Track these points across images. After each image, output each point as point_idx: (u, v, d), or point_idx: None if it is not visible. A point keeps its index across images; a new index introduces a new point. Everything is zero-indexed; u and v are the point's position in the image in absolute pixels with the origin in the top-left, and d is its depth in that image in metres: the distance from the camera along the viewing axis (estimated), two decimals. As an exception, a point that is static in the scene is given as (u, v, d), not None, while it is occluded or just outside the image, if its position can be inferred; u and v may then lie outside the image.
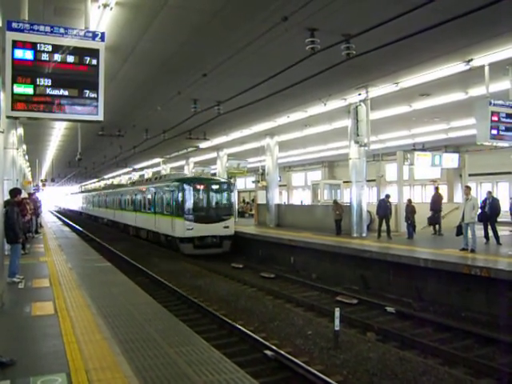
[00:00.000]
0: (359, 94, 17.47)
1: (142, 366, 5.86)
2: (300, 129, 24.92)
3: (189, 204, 24.17)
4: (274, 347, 9.31)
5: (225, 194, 25.40)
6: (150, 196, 29.71)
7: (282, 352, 9.02)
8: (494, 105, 13.17)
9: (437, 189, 21.69)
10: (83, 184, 78.87)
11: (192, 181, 25.44)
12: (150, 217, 29.12)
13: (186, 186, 24.40)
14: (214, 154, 34.72)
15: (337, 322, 9.70)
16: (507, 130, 13.41)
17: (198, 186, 24.59)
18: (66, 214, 72.67)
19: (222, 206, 25.03)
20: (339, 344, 9.66)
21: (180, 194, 24.31)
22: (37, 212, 24.33)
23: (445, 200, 24.62)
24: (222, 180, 27.41)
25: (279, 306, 13.23)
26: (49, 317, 8.17)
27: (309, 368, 8.22)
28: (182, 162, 40.96)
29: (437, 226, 20.21)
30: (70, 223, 44.83)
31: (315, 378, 7.85)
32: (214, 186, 25.31)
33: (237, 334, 10.60)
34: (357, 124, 18.19)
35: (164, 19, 10.50)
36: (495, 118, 13.15)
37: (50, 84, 7.08)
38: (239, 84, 13.98)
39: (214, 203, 24.96)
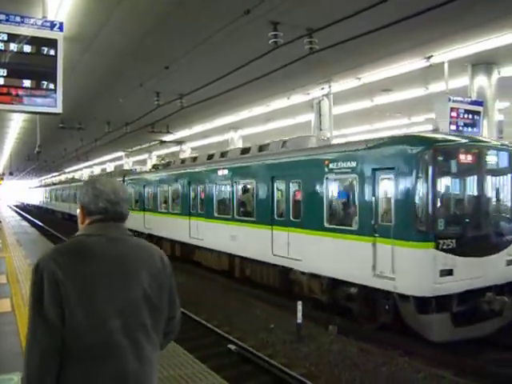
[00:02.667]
0: (322, 89, 17.57)
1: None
2: (263, 123, 24.93)
3: (445, 207, 10.01)
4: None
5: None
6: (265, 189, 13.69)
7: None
8: (454, 101, 13.45)
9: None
10: (43, 178, 77.11)
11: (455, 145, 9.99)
12: (280, 233, 12.75)
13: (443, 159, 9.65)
14: (177, 148, 34.42)
15: (299, 315, 9.77)
16: (466, 125, 13.72)
17: (468, 160, 9.84)
18: (27, 209, 71.05)
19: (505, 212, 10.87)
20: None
21: (417, 181, 9.12)
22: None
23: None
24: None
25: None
26: (5, 314, 7.97)
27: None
28: (145, 156, 40.48)
29: None
30: (30, 218, 43.79)
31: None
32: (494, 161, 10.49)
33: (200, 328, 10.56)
34: (320, 118, 18.31)
35: (125, 9, 10.30)
36: (454, 114, 13.42)
37: (5, 74, 6.86)
38: (202, 77, 13.86)
39: (492, 205, 10.40)
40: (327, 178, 11.09)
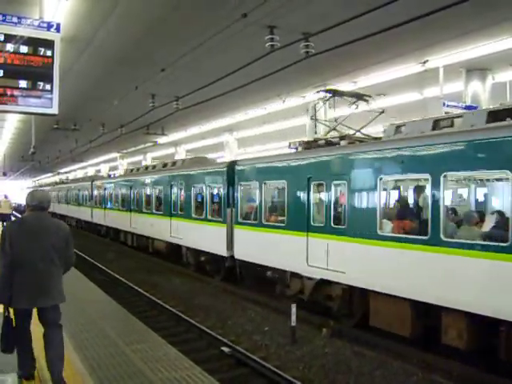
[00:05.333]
0: (318, 92, 17.62)
1: (96, 363, 5.78)
2: (259, 125, 24.97)
3: None
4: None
5: None
6: None
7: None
8: (448, 106, 13.54)
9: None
10: (37, 179, 76.76)
11: None
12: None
13: None
14: (172, 150, 34.43)
15: (293, 317, 9.78)
16: (460, 130, 13.78)
17: None
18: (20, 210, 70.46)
19: None
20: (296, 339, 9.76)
21: None
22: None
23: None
24: None
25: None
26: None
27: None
28: (140, 157, 40.45)
29: None
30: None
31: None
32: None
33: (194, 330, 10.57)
34: (315, 122, 18.35)
35: (122, 12, 10.33)
36: (448, 119, 13.53)
37: (1, 75, 6.87)
38: (198, 79, 13.88)
39: None
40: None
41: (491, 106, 9.80)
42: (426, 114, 17.33)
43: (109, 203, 28.39)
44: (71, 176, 58.03)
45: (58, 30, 7.19)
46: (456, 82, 14.65)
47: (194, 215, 16.86)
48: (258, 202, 13.18)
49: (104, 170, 48.43)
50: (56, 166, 49.31)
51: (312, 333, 10.37)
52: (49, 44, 7.10)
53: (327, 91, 12.79)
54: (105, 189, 29.18)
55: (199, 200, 16.87)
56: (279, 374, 7.89)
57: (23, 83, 7.03)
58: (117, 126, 23.40)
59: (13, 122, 24.04)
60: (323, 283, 10.69)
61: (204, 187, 16.35)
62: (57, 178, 59.34)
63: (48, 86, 7.17)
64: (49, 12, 9.29)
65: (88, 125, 23.08)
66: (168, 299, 13.54)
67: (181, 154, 33.52)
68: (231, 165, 14.84)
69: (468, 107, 13.90)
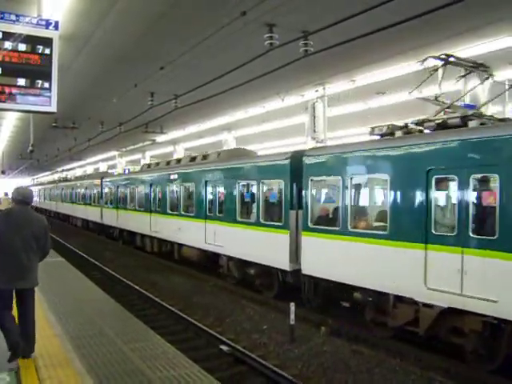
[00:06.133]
0: (317, 91, 17.61)
1: (94, 362, 5.77)
2: (257, 124, 24.93)
3: None
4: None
5: None
6: None
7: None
8: (447, 104, 13.49)
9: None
10: (36, 177, 76.69)
11: None
12: None
13: None
14: (170, 148, 34.39)
15: (292, 316, 9.78)
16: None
17: None
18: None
19: None
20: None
21: None
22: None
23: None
24: None
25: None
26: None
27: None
28: (139, 156, 40.39)
29: None
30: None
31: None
32: None
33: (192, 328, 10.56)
34: (314, 120, 18.33)
35: (121, 9, 10.29)
36: (447, 117, 13.47)
37: (0, 73, 6.85)
38: (197, 78, 13.85)
39: None
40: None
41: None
42: (425, 112, 17.34)
43: (122, 203, 25.50)
44: (78, 173, 56.37)
45: (56, 27, 7.18)
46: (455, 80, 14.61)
47: (239, 218, 13.82)
48: (340, 203, 10.31)
49: (103, 168, 48.31)
50: (55, 164, 49.26)
51: (311, 331, 10.38)
52: (47, 42, 7.08)
53: (438, 58, 9.85)
54: (117, 186, 26.38)
55: (247, 200, 13.99)
56: (278, 372, 7.90)
57: (21, 81, 7.02)
58: (115, 125, 23.38)
59: (11, 120, 23.98)
60: (450, 313, 8.11)
61: (255, 184, 13.31)
62: (59, 176, 57.89)
63: (46, 84, 7.16)
64: (47, 10, 9.25)
65: (87, 123, 23.04)
66: (167, 298, 13.53)
67: (179, 152, 33.47)
68: (297, 156, 11.84)
69: (466, 106, 13.87)
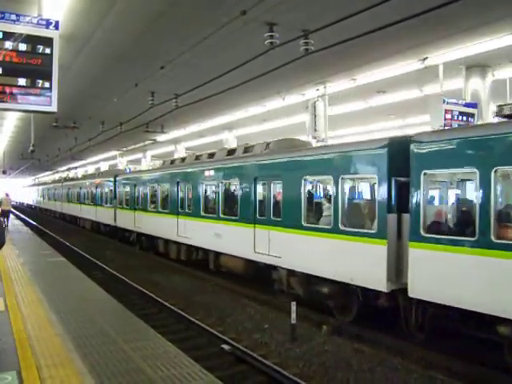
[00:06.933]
0: (317, 90, 17.61)
1: (96, 362, 5.77)
2: (258, 123, 24.93)
3: None
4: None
5: None
6: None
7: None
8: (448, 103, 13.51)
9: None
10: (37, 177, 76.70)
11: None
12: None
13: None
14: (171, 148, 34.40)
15: (293, 315, 9.77)
16: (461, 127, 13.67)
17: None
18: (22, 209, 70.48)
19: None
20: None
21: None
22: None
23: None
24: None
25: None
26: (-1, 313, 7.94)
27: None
28: (140, 155, 40.39)
29: None
30: (25, 218, 43.50)
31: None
32: None
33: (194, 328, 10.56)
34: (315, 119, 18.32)
35: (121, 9, 10.30)
36: (449, 116, 13.48)
37: (0, 73, 6.85)
38: (198, 77, 13.84)
39: None
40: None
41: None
42: (426, 111, 17.33)
43: (141, 203, 22.43)
44: (90, 171, 54.54)
45: (56, 27, 7.18)
46: (456, 79, 14.61)
47: (305, 223, 11.21)
48: (478, 207, 7.62)
49: (103, 167, 48.30)
50: (55, 163, 49.29)
51: (312, 330, 10.37)
52: (48, 41, 7.08)
53: None
54: (135, 185, 23.36)
55: (317, 200, 11.92)
56: (279, 371, 7.89)
57: (22, 81, 7.02)
58: (116, 124, 23.38)
59: (12, 120, 24.01)
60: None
61: (331, 181, 10.58)
62: (64, 175, 56.04)
63: (47, 84, 7.15)
64: (47, 9, 9.26)
65: (87, 123, 23.06)
66: (168, 297, 13.53)
67: (180, 151, 33.49)
68: (398, 143, 9.29)
69: (467, 104, 13.88)
